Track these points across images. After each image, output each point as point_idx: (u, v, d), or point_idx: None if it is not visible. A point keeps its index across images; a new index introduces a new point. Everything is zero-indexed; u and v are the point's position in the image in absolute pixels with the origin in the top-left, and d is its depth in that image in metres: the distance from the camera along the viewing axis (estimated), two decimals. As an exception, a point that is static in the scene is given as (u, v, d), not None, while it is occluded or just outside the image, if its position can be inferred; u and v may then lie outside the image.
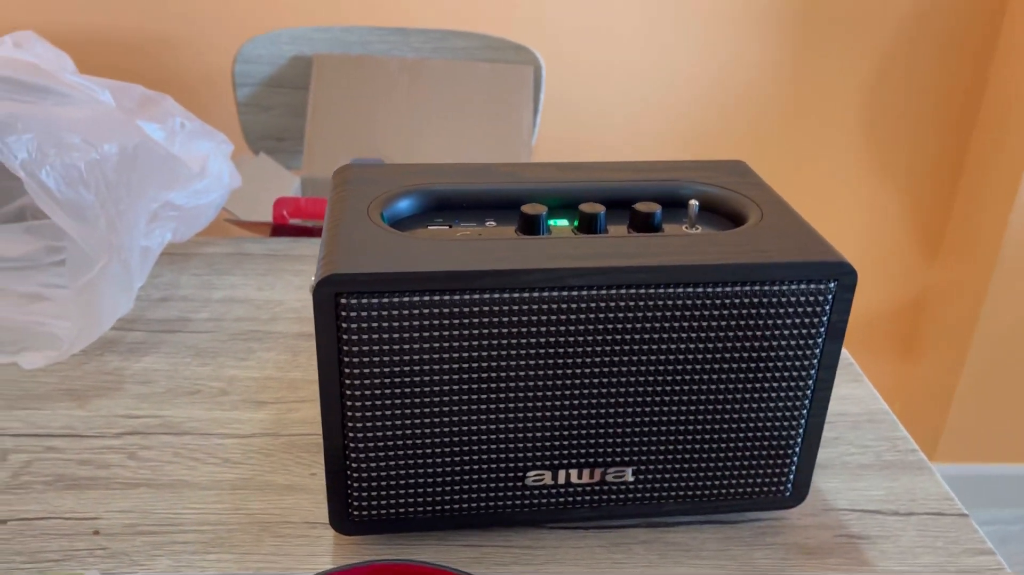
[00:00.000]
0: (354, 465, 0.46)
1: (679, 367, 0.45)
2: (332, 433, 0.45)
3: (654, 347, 0.45)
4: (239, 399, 0.61)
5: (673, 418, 0.47)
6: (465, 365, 0.44)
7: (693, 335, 0.44)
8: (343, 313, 0.42)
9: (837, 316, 0.45)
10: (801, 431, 0.48)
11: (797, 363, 0.46)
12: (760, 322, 0.45)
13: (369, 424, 0.45)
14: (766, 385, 0.46)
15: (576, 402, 0.46)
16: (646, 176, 0.53)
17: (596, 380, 0.45)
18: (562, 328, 0.43)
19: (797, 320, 0.45)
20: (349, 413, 0.44)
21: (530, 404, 0.45)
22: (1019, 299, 1.46)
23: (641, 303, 0.43)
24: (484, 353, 0.44)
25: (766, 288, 0.44)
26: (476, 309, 0.42)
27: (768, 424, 0.48)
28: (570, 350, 0.44)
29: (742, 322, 0.44)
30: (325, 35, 1.21)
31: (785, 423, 0.48)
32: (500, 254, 0.43)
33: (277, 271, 0.78)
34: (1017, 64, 1.37)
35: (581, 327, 0.44)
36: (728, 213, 0.51)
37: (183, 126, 0.73)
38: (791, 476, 0.50)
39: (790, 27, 1.37)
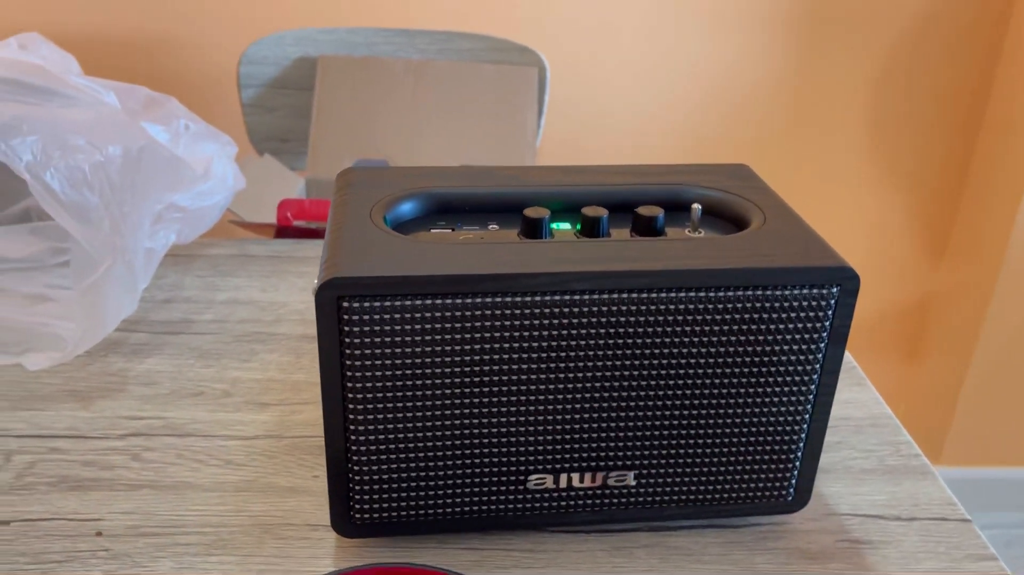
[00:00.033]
0: (356, 468, 0.46)
1: (681, 371, 0.45)
2: (334, 436, 0.45)
3: (656, 351, 0.45)
4: (242, 401, 0.61)
5: (675, 422, 0.47)
6: (467, 369, 0.44)
7: (695, 339, 0.44)
8: (345, 316, 0.42)
9: (840, 321, 0.45)
10: (803, 435, 0.48)
11: (799, 368, 0.46)
12: (763, 327, 0.44)
13: (371, 427, 0.45)
14: (768, 390, 0.46)
15: (578, 406, 0.46)
16: (649, 180, 0.53)
17: (598, 384, 0.45)
18: (564, 332, 0.43)
19: (800, 325, 0.45)
20: (351, 416, 0.44)
21: (532, 408, 0.45)
22: (1024, 302, 1.45)
23: (643, 307, 0.43)
24: (486, 357, 0.44)
25: (768, 293, 0.44)
26: (478, 313, 0.42)
27: (770, 428, 0.48)
28: (572, 354, 0.44)
29: (744, 326, 0.44)
30: (330, 36, 1.22)
31: (787, 427, 0.48)
32: (503, 258, 0.43)
33: (281, 273, 0.78)
34: (1023, 66, 1.36)
35: (583, 331, 0.43)
36: (731, 217, 0.51)
37: (187, 128, 0.73)
38: (793, 480, 0.50)
39: (794, 30, 1.37)
